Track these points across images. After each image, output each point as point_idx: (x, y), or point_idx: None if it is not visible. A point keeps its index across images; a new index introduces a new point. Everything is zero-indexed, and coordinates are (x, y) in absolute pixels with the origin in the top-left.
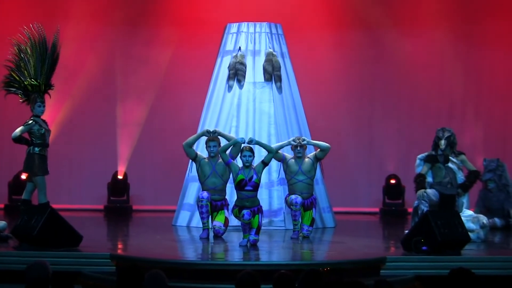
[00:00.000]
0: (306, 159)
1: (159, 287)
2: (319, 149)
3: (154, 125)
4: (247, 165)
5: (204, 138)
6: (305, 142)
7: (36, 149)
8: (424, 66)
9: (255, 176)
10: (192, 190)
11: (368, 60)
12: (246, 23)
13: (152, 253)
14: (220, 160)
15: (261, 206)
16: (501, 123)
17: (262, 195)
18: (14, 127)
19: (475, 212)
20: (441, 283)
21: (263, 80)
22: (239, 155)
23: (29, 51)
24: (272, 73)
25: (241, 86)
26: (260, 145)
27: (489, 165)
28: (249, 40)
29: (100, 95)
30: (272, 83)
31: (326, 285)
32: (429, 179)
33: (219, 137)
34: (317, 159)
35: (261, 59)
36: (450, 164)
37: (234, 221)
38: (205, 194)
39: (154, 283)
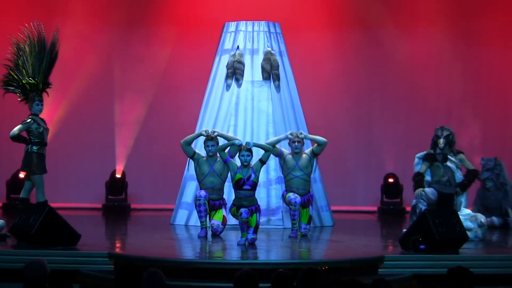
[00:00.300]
0: (303, 155)
1: (157, 286)
2: (316, 144)
3: (152, 124)
4: (246, 165)
5: (202, 138)
6: (302, 135)
7: (34, 147)
8: (423, 66)
9: (253, 175)
10: (190, 189)
11: (366, 59)
12: (244, 21)
13: (150, 252)
14: (219, 159)
15: (259, 205)
16: (499, 122)
17: (260, 194)
18: (12, 126)
19: (473, 211)
20: (439, 282)
21: (261, 79)
22: (238, 154)
23: (27, 49)
24: (270, 72)
25: (239, 85)
26: (257, 146)
27: (487, 164)
28: (247, 39)
29: (98, 93)
30: (270, 82)
31: (324, 284)
32: (428, 177)
33: (217, 137)
34: (314, 154)
35: (259, 58)
36: (448, 163)
37: (232, 220)
38: (202, 193)
39: (152, 281)
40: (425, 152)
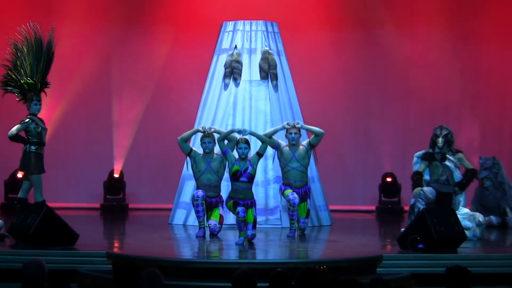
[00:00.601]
0: (300, 147)
1: (155, 285)
2: (313, 135)
3: (150, 123)
4: (243, 157)
5: (200, 137)
6: (299, 125)
7: (33, 147)
8: (421, 65)
9: (250, 168)
10: (189, 189)
11: (364, 58)
12: (242, 21)
13: (148, 252)
14: (216, 156)
15: (254, 200)
16: (497, 121)
17: (259, 194)
18: (10, 126)
19: (471, 210)
20: (437, 281)
21: (259, 78)
22: (235, 147)
23: (25, 49)
24: (268, 71)
25: (237, 84)
26: (254, 135)
27: (485, 163)
28: (245, 38)
29: (96, 93)
30: (268, 81)
31: (323, 283)
32: (426, 177)
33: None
34: (311, 146)
35: (257, 57)
36: (447, 162)
37: (230, 220)
38: (200, 193)
39: (150, 281)
40: (423, 151)
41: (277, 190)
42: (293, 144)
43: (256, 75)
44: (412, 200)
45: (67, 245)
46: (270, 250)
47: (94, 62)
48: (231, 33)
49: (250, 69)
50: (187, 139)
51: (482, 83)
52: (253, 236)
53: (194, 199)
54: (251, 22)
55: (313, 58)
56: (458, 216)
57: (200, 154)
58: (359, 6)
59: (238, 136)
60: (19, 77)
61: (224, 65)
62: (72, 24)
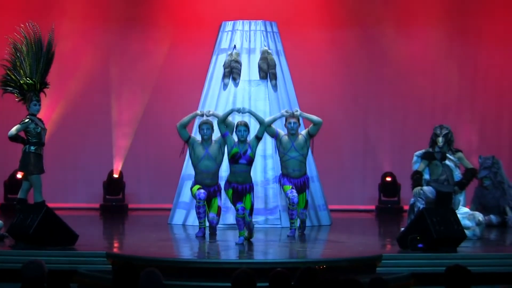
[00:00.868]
0: (299, 136)
1: (155, 286)
2: (311, 124)
3: (149, 123)
4: (242, 140)
5: (199, 136)
6: (298, 113)
7: (32, 147)
8: (420, 64)
9: (249, 150)
10: (188, 189)
11: (363, 58)
12: (241, 21)
13: (148, 252)
14: (214, 143)
15: (253, 184)
16: (496, 121)
17: (258, 193)
18: (10, 126)
19: (471, 209)
20: (437, 281)
21: (258, 78)
22: (235, 130)
23: (24, 50)
24: (267, 71)
25: (236, 84)
26: (252, 114)
27: (484, 163)
28: (244, 38)
29: (95, 93)
30: (267, 81)
31: (322, 283)
32: (426, 176)
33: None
34: (310, 135)
35: (256, 57)
36: (447, 162)
37: (229, 219)
38: (202, 195)
39: (149, 281)
40: (423, 150)
41: (277, 190)
42: (292, 133)
43: (255, 75)
44: (412, 199)
45: (67, 245)
46: (269, 250)
47: (94, 62)
48: (230, 33)
49: (249, 69)
50: (186, 125)
51: (481, 83)
52: (249, 223)
53: (196, 200)
54: (250, 22)
55: (312, 58)
56: (458, 215)
57: (198, 140)
58: (359, 6)
59: (237, 115)
60: (18, 78)
61: (223, 65)
62: (71, 24)
